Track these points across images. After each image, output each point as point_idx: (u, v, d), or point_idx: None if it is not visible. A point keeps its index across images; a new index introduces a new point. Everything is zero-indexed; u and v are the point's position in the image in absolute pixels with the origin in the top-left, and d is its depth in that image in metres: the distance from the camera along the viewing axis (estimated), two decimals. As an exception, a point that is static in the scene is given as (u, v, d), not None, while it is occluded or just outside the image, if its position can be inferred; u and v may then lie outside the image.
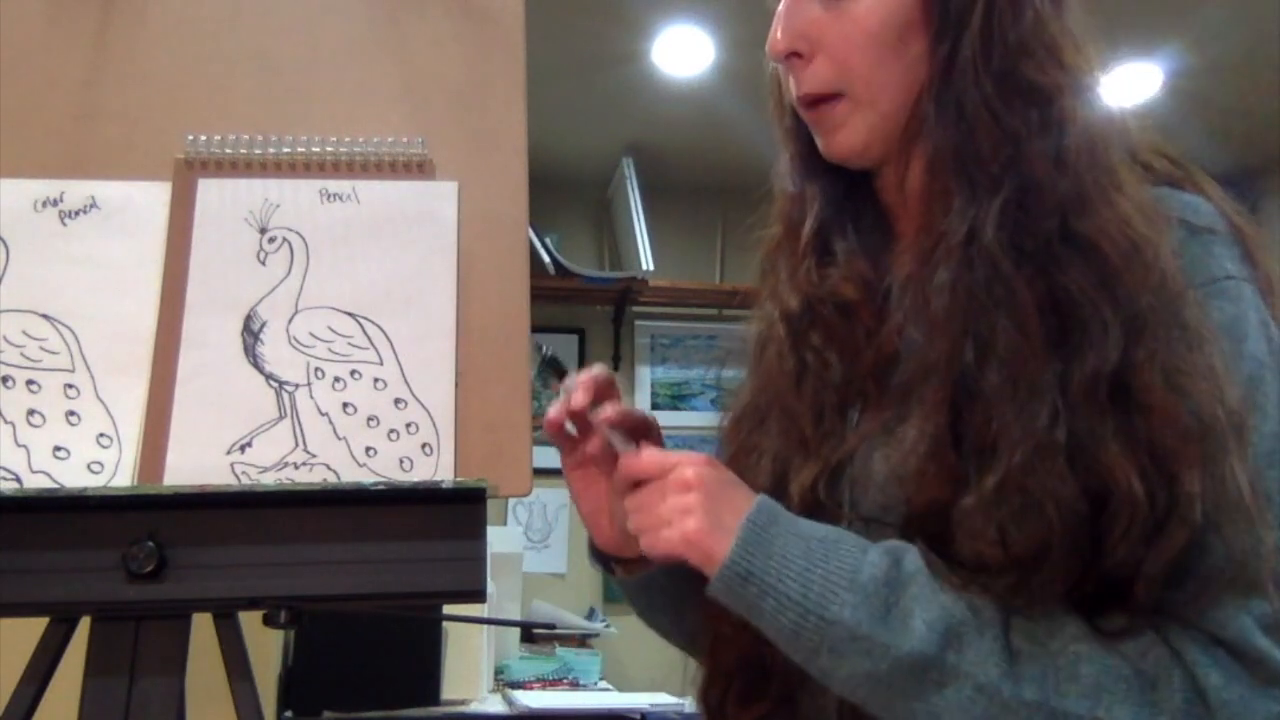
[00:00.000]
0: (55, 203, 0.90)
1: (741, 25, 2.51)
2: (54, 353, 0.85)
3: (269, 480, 0.83)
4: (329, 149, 0.94)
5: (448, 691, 2.05)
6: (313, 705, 1.96)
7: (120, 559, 0.79)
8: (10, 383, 0.84)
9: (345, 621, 1.93)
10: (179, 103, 0.95)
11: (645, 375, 3.45)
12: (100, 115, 0.94)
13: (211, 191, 0.91)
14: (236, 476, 0.83)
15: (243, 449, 0.84)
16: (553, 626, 2.71)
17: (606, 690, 2.52)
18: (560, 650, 2.69)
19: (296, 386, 0.86)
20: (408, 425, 0.85)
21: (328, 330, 0.88)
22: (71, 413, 0.83)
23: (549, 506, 3.28)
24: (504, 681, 2.45)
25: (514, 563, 2.65)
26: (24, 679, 0.79)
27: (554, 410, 0.81)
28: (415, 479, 0.84)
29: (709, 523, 0.70)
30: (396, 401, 0.86)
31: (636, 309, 3.41)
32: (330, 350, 0.87)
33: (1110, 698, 0.63)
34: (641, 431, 0.81)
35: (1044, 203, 0.71)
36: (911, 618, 0.66)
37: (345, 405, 0.86)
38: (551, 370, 0.82)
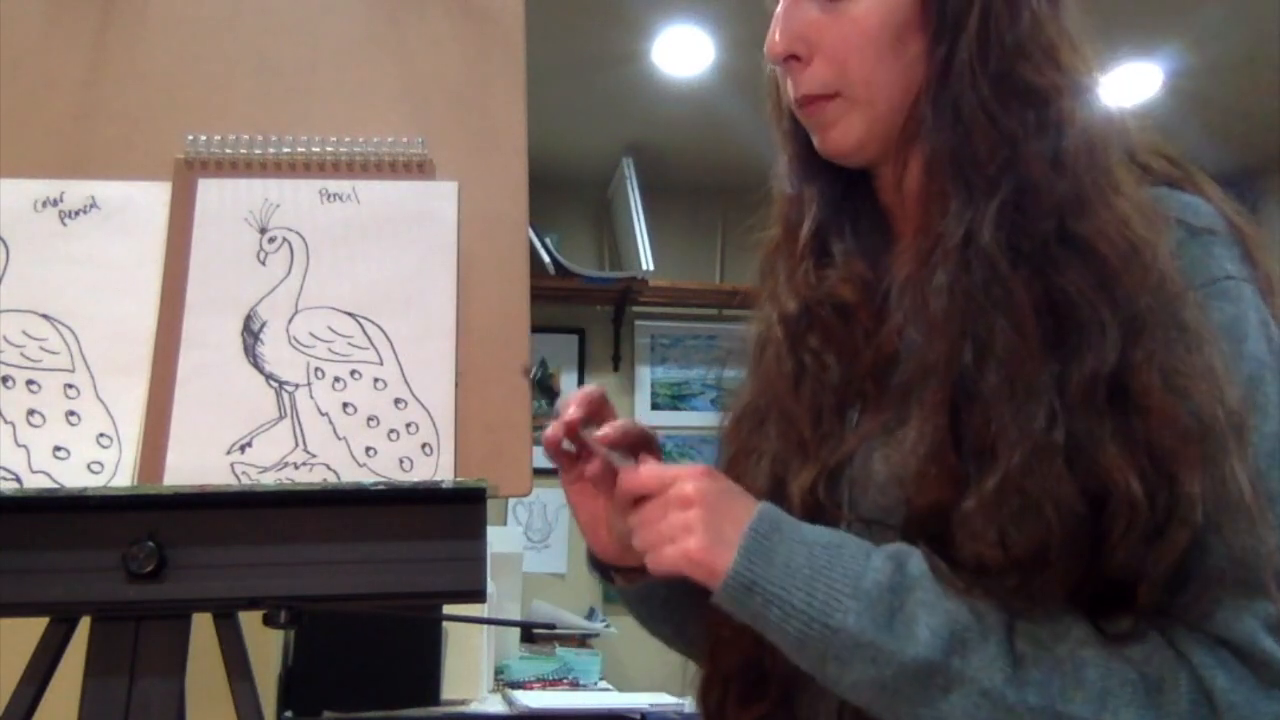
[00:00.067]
0: (55, 203, 0.90)
1: (741, 25, 2.51)
2: (54, 353, 0.85)
3: (269, 480, 0.83)
4: (329, 149, 0.94)
5: (448, 691, 2.05)
6: (313, 705, 1.96)
7: (120, 559, 0.79)
8: (10, 383, 0.84)
9: (345, 621, 1.93)
10: (179, 103, 0.95)
11: (645, 375, 3.45)
12: (100, 115, 0.94)
13: (211, 191, 0.91)
14: (236, 476, 0.83)
15: (243, 449, 0.84)
16: (553, 626, 2.71)
17: (606, 690, 2.52)
18: (560, 650, 2.69)
19: (296, 386, 0.86)
20: (408, 425, 0.85)
21: (328, 330, 0.88)
22: (71, 413, 0.83)
23: (549, 506, 3.28)
24: (504, 681, 2.45)
25: (514, 563, 2.65)
26: (24, 679, 0.79)
27: (551, 429, 0.81)
28: (415, 479, 0.84)
29: (710, 538, 0.70)
30: (396, 401, 0.86)
31: (636, 309, 3.41)
32: (330, 350, 0.87)
33: (1116, 701, 0.63)
34: (639, 444, 0.81)
35: (1041, 204, 0.71)
36: (916, 623, 0.65)
37: (345, 405, 0.86)
38: (542, 391, 0.81)
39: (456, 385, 0.87)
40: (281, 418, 0.85)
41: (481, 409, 0.86)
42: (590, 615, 3.07)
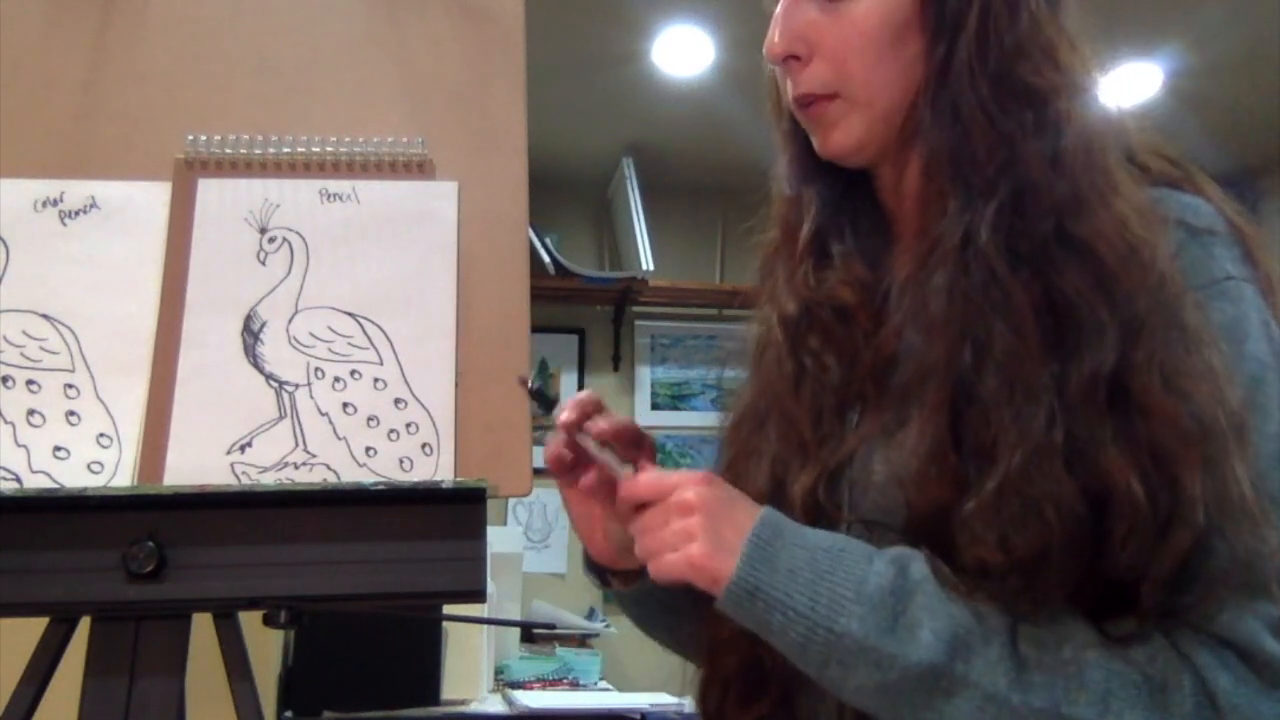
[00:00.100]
0: (55, 203, 0.90)
1: (741, 25, 2.51)
2: (54, 353, 0.85)
3: (269, 480, 0.83)
4: (329, 149, 0.94)
5: (448, 691, 2.05)
6: (313, 705, 1.96)
7: (120, 559, 0.79)
8: (10, 383, 0.84)
9: (345, 621, 1.93)
10: (179, 103, 0.95)
11: (645, 375, 3.45)
12: (100, 115, 0.94)
13: (211, 191, 0.91)
14: (236, 476, 0.83)
15: (243, 449, 0.84)
16: (553, 626, 2.71)
17: (606, 690, 2.52)
18: (560, 650, 2.69)
19: (296, 386, 0.86)
20: (408, 425, 0.85)
21: (328, 330, 0.88)
22: (71, 413, 0.83)
23: (549, 506, 3.28)
24: (504, 681, 2.45)
25: (514, 563, 2.65)
26: (24, 679, 0.79)
27: (551, 446, 0.81)
28: (415, 479, 0.84)
29: (713, 544, 0.70)
30: (396, 401, 0.86)
31: (636, 309, 3.41)
32: (330, 350, 0.87)
33: (1120, 703, 0.63)
34: (632, 441, 0.81)
35: (1040, 205, 0.71)
36: (919, 627, 0.65)
37: (345, 405, 0.86)
38: (539, 401, 0.81)
39: (456, 385, 0.87)
40: (281, 418, 0.85)
41: (481, 409, 0.86)
42: (590, 615, 3.07)
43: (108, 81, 0.95)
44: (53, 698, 0.80)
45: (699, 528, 0.70)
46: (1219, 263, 0.71)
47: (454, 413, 0.86)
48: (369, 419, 0.86)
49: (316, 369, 0.87)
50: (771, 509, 0.72)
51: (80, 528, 0.80)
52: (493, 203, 0.94)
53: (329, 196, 0.92)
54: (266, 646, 1.85)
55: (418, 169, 0.94)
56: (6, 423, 0.82)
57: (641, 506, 0.74)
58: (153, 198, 0.91)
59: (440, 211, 0.92)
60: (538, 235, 3.02)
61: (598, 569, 0.89)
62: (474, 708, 2.09)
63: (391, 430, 0.85)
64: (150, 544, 0.79)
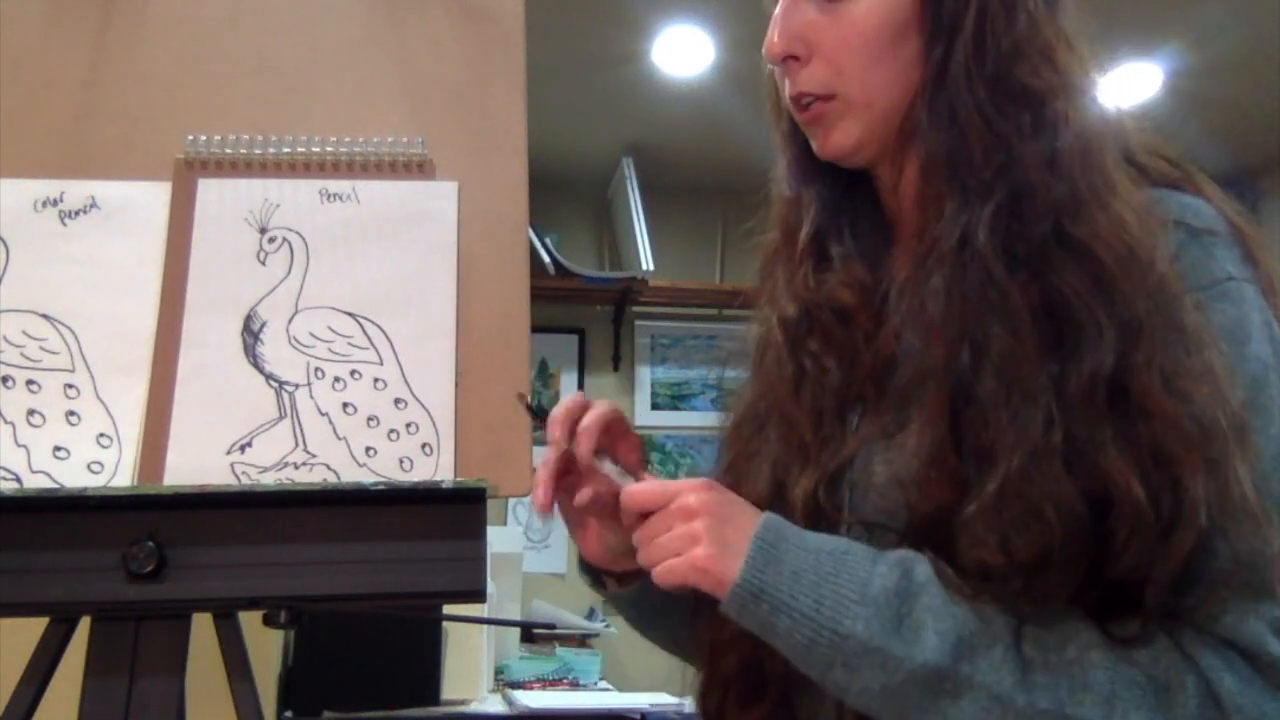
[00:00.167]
0: (55, 203, 0.90)
1: (741, 25, 2.51)
2: (54, 353, 0.85)
3: (269, 480, 0.83)
4: (329, 149, 0.94)
5: (448, 691, 2.05)
6: (313, 705, 1.96)
7: (120, 559, 0.79)
8: (10, 383, 0.84)
9: (345, 621, 1.93)
10: (179, 103, 0.95)
11: (645, 375, 3.45)
12: (100, 115, 0.94)
13: (211, 191, 0.91)
14: (236, 476, 0.83)
15: (243, 449, 0.84)
16: (553, 626, 2.71)
17: (606, 690, 2.52)
18: (560, 650, 2.68)
19: (296, 386, 0.86)
20: (408, 425, 0.85)
21: (328, 330, 0.88)
22: (71, 413, 0.83)
23: (549, 506, 3.27)
24: (504, 681, 2.45)
25: (514, 563, 2.65)
26: (24, 679, 0.79)
27: (543, 478, 0.79)
28: (415, 479, 0.84)
29: (717, 547, 0.70)
30: (396, 401, 0.86)
31: (636, 309, 3.41)
32: (330, 350, 0.87)
33: (1124, 704, 0.63)
34: (620, 432, 0.80)
35: (1037, 207, 0.71)
36: (924, 629, 0.65)
37: (345, 405, 0.86)
38: (539, 418, 0.81)
39: (456, 385, 0.87)
40: (281, 418, 0.85)
41: (481, 409, 0.86)
42: (590, 615, 3.07)
43: (108, 81, 0.95)
44: (53, 698, 0.80)
45: (702, 531, 0.70)
46: (1220, 264, 0.71)
47: (454, 413, 0.86)
48: (369, 419, 0.86)
49: (316, 369, 0.87)
50: (773, 514, 0.72)
51: (80, 528, 0.80)
52: (493, 203, 0.94)
53: (329, 196, 0.92)
54: (266, 646, 1.85)
55: (418, 169, 0.94)
56: (6, 423, 0.82)
57: (644, 515, 0.74)
58: (153, 198, 0.91)
59: (440, 211, 0.92)
60: (538, 235, 3.02)
61: (592, 570, 0.88)
62: (474, 708, 2.09)
63: (391, 430, 0.85)
64: (150, 544, 0.79)
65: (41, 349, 0.85)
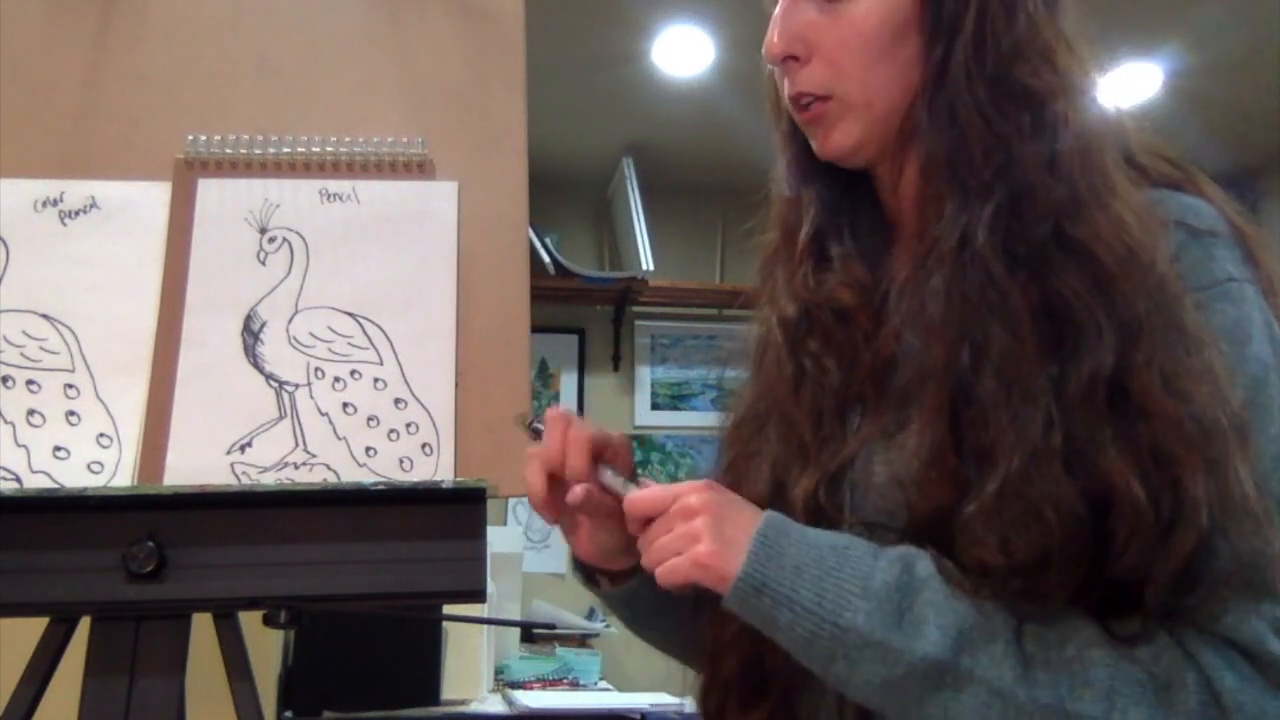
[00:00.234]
0: (55, 203, 0.90)
1: (741, 25, 2.51)
2: (54, 353, 0.85)
3: (269, 480, 0.83)
4: (329, 149, 0.94)
5: (448, 691, 2.05)
6: (313, 705, 1.96)
7: (120, 559, 0.79)
8: (10, 383, 0.84)
9: (345, 621, 1.93)
10: (179, 103, 0.95)
11: (645, 375, 3.45)
12: (100, 115, 0.94)
13: (211, 191, 0.91)
14: (236, 476, 0.83)
15: (243, 449, 0.84)
16: (553, 626, 2.71)
17: (606, 690, 2.52)
18: (560, 650, 2.68)
19: (296, 386, 0.86)
20: (408, 425, 0.85)
21: (328, 330, 0.88)
22: (71, 413, 0.83)
23: (549, 506, 3.27)
24: (504, 681, 2.45)
25: (514, 563, 2.65)
26: (24, 679, 0.79)
27: (536, 479, 0.79)
28: (415, 479, 0.84)
29: (718, 544, 0.70)
30: (396, 401, 0.86)
31: (636, 309, 3.41)
32: (330, 350, 0.87)
33: (1124, 700, 0.63)
34: (608, 453, 0.80)
35: (1037, 208, 0.71)
36: (925, 623, 0.66)
37: (345, 405, 0.86)
38: (534, 434, 0.80)
39: (456, 385, 0.87)
40: (281, 418, 0.85)
41: (481, 409, 0.86)
42: (590, 615, 3.07)
43: (108, 81, 0.95)
44: (53, 698, 0.80)
45: (703, 529, 0.70)
46: (1220, 264, 0.71)
47: (454, 413, 0.86)
48: (369, 419, 0.86)
49: (316, 369, 0.87)
50: (774, 512, 0.73)
51: (80, 528, 0.80)
52: (493, 203, 0.94)
53: (329, 196, 0.92)
54: (266, 646, 1.85)
55: (418, 169, 0.94)
56: (6, 423, 0.82)
57: (647, 521, 0.74)
58: (153, 198, 0.91)
59: (440, 211, 0.92)
60: (538, 235, 3.02)
61: (586, 569, 0.89)
62: (474, 708, 2.09)
63: (391, 430, 0.85)
64: (150, 544, 0.79)
65: (41, 349, 0.85)
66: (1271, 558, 0.64)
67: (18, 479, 0.81)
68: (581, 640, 2.79)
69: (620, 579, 0.87)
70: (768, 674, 0.78)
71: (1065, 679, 0.64)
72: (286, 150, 0.93)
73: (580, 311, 3.40)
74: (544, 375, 3.37)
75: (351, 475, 0.83)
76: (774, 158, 0.90)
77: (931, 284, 0.73)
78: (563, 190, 3.36)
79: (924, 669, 0.65)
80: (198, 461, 0.83)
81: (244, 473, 0.83)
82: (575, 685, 2.52)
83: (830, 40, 0.78)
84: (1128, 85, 2.77)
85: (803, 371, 0.81)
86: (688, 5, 2.53)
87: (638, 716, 2.12)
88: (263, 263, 0.89)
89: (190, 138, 0.93)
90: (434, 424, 0.85)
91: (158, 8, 0.98)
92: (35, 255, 0.88)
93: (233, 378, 0.85)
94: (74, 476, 0.81)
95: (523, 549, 2.99)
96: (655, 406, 3.42)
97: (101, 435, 0.83)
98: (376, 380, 0.86)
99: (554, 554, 3.27)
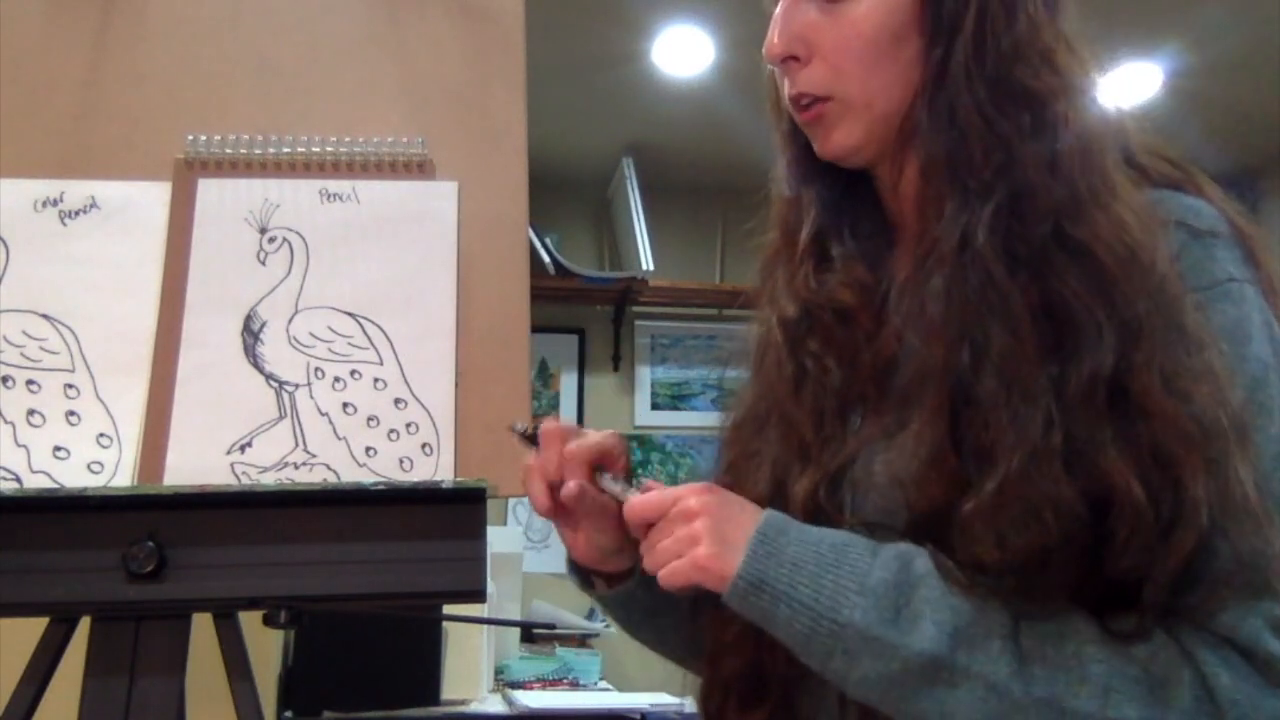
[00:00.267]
0: (55, 203, 0.90)
1: (741, 25, 2.51)
2: (54, 353, 0.85)
3: (269, 480, 0.83)
4: (329, 149, 0.94)
5: (448, 691, 2.05)
6: (313, 705, 1.96)
7: (120, 559, 0.79)
8: (10, 383, 0.84)
9: (345, 621, 1.93)
10: (179, 103, 0.95)
11: (645, 375, 3.45)
12: (100, 115, 0.94)
13: (211, 191, 0.91)
14: (236, 476, 0.83)
15: (243, 449, 0.84)
16: (553, 626, 2.71)
17: (606, 690, 2.52)
18: (560, 650, 2.69)
19: (296, 386, 0.86)
20: (408, 425, 0.85)
21: (328, 330, 0.88)
22: (71, 413, 0.83)
23: (549, 506, 3.27)
24: (504, 681, 2.45)
25: (514, 563, 2.65)
26: (24, 679, 0.79)
27: (536, 483, 0.79)
28: (415, 479, 0.84)
29: (717, 545, 0.71)
30: (396, 401, 0.86)
31: (636, 309, 3.41)
32: (330, 350, 0.87)
33: (1120, 697, 0.63)
34: (598, 457, 0.80)
35: (1037, 208, 0.71)
36: (922, 619, 0.66)
37: (345, 405, 0.86)
38: (534, 444, 0.81)
39: (456, 385, 0.87)
40: (281, 418, 0.85)
41: (481, 409, 0.86)
42: (590, 615, 3.07)
43: (108, 81, 0.95)
44: (53, 698, 0.80)
45: (703, 531, 0.71)
46: (1221, 264, 0.71)
47: (454, 413, 0.86)
48: (369, 419, 0.86)
49: (316, 369, 0.87)
50: (774, 511, 0.73)
51: (80, 528, 0.80)
52: (493, 203, 0.94)
53: (329, 196, 0.92)
54: (266, 646, 1.85)
55: (418, 169, 0.94)
56: (6, 423, 0.82)
57: (649, 526, 0.74)
58: (153, 198, 0.91)
59: (440, 211, 0.92)
60: (538, 235, 3.02)
61: (582, 571, 0.88)
62: (474, 708, 2.09)
63: (391, 430, 0.85)
64: (150, 544, 0.79)
65: (41, 349, 0.85)
66: (1271, 557, 0.64)
67: (18, 479, 0.81)
68: (581, 640, 2.79)
69: (616, 580, 0.87)
70: (768, 675, 0.78)
71: (1061, 675, 0.64)
72: (286, 150, 0.93)
73: (580, 311, 3.40)
74: (544, 375, 3.37)
75: (351, 475, 0.83)
76: (774, 158, 0.90)
77: (932, 284, 0.73)
78: (563, 190, 3.36)
79: (920, 665, 0.65)
80: (198, 461, 0.83)
81: (244, 473, 0.83)
82: (575, 685, 2.52)
83: (830, 41, 0.78)
84: (1128, 85, 2.77)
85: (803, 372, 0.81)
86: (688, 5, 2.53)
87: (638, 716, 2.12)
88: (263, 263, 0.89)
89: (190, 138, 0.93)
90: (434, 424, 0.85)
91: (158, 8, 0.98)
92: (35, 255, 0.88)
93: (233, 378, 0.85)
94: (74, 476, 0.81)
95: (523, 549, 2.99)
96: (655, 406, 3.42)
97: (101, 435, 0.83)
98: (376, 380, 0.86)
99: (554, 554, 3.27)
